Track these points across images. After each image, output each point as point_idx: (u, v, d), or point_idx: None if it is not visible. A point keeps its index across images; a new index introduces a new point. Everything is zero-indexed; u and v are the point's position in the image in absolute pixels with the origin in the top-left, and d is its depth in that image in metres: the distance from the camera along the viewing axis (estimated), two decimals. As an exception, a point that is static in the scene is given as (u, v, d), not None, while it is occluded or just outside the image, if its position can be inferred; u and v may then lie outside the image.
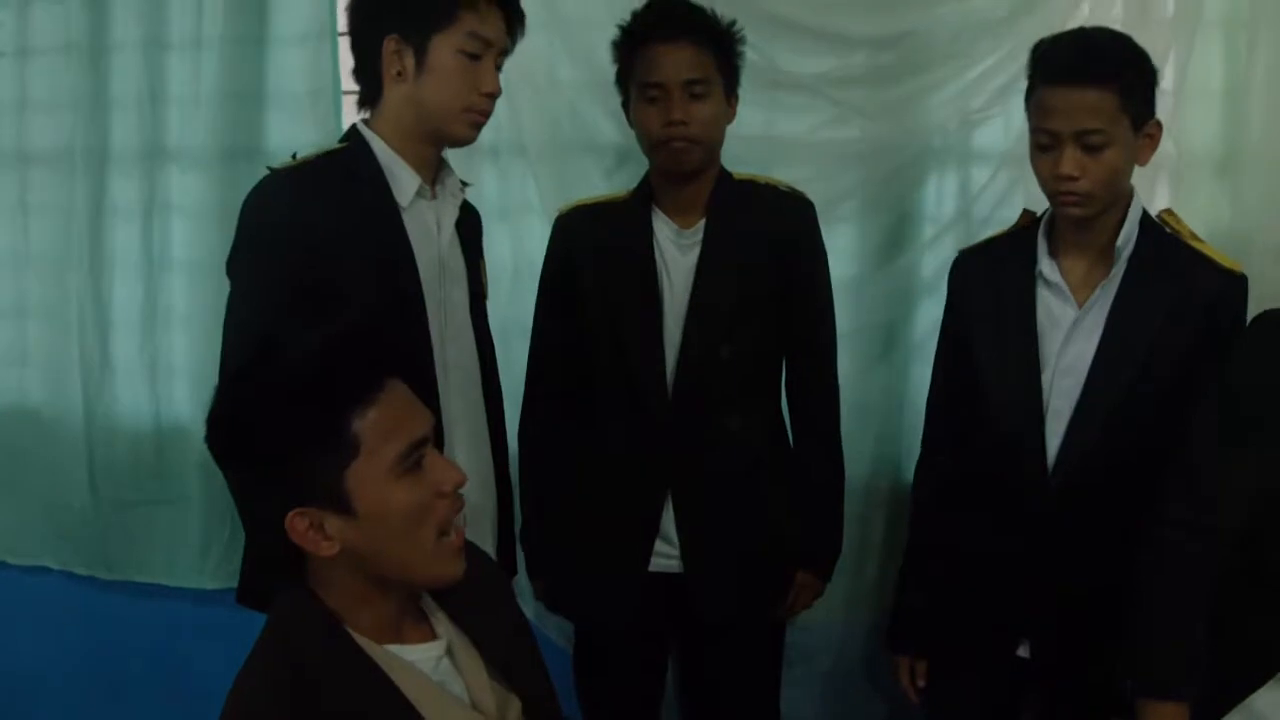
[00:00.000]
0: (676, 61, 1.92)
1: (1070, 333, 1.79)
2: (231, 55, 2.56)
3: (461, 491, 1.25)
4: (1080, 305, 1.79)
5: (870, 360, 2.26)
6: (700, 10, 1.97)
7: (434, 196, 1.82)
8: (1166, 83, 2.11)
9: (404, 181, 1.76)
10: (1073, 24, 2.16)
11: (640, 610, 2.02)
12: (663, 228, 2.01)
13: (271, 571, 1.28)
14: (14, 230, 2.82)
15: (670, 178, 1.99)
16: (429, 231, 1.79)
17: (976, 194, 2.22)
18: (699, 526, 1.98)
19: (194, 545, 2.70)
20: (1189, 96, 2.11)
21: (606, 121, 2.35)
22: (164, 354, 2.73)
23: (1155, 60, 2.07)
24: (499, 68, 1.78)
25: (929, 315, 2.21)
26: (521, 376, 2.14)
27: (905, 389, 2.29)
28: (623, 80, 2.01)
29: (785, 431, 2.09)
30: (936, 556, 1.93)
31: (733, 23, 1.98)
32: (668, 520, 1.99)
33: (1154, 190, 2.12)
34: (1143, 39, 2.09)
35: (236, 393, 1.23)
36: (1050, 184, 1.74)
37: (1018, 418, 1.81)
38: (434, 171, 1.82)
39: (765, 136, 2.23)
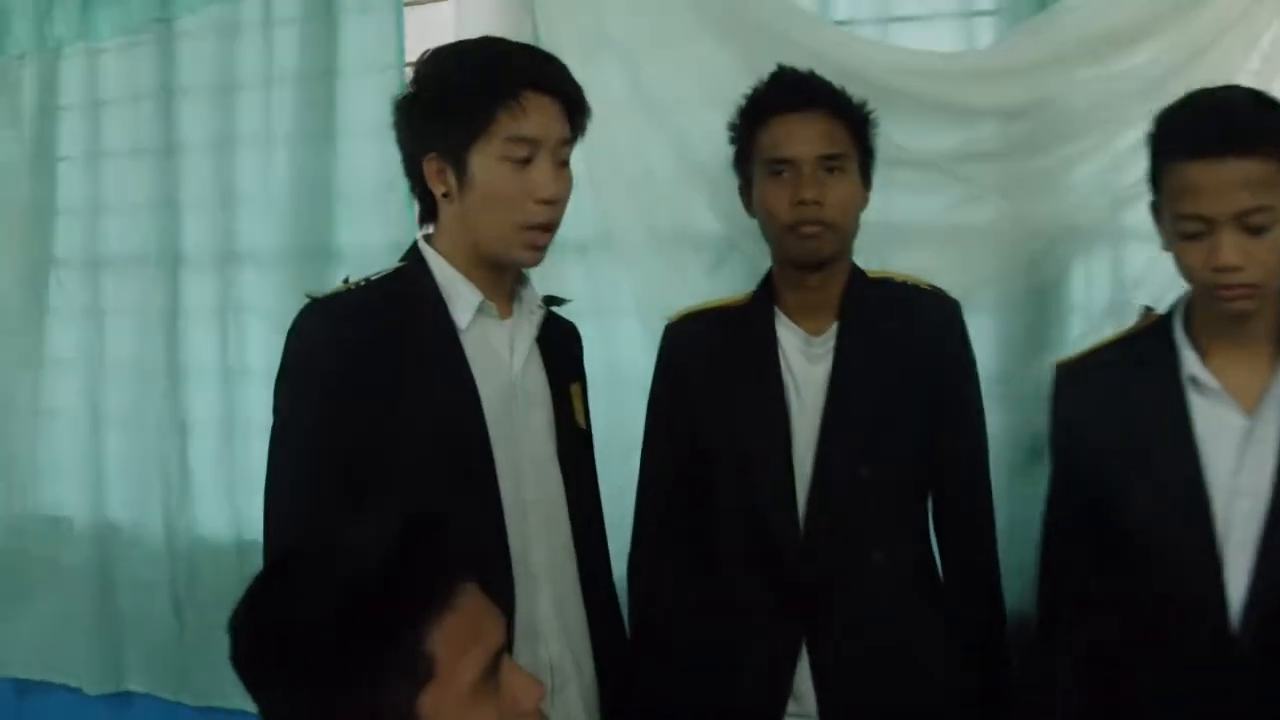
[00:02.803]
0: (809, 134, 1.72)
1: (1243, 446, 1.50)
2: (300, 151, 2.44)
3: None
4: (1249, 412, 1.50)
5: (1012, 473, 1.96)
6: (830, 83, 1.77)
7: (508, 314, 1.62)
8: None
9: (464, 300, 1.56)
10: (1242, 81, 1.89)
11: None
12: (789, 335, 1.79)
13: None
14: (89, 336, 2.75)
15: (799, 271, 1.77)
16: (497, 355, 1.59)
17: (1136, 279, 1.93)
18: (839, 683, 1.72)
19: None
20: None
21: (705, 212, 2.13)
22: (243, 465, 2.59)
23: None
24: (564, 161, 1.56)
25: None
26: (618, 503, 1.90)
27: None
28: (742, 161, 1.81)
29: (935, 567, 1.83)
30: None
31: (864, 101, 1.78)
32: (802, 675, 1.74)
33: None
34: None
35: (283, 604, 1.02)
36: (1206, 277, 1.46)
37: (1185, 558, 1.50)
38: (507, 287, 1.62)
39: (884, 222, 1.96)
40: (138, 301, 2.65)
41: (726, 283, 2.08)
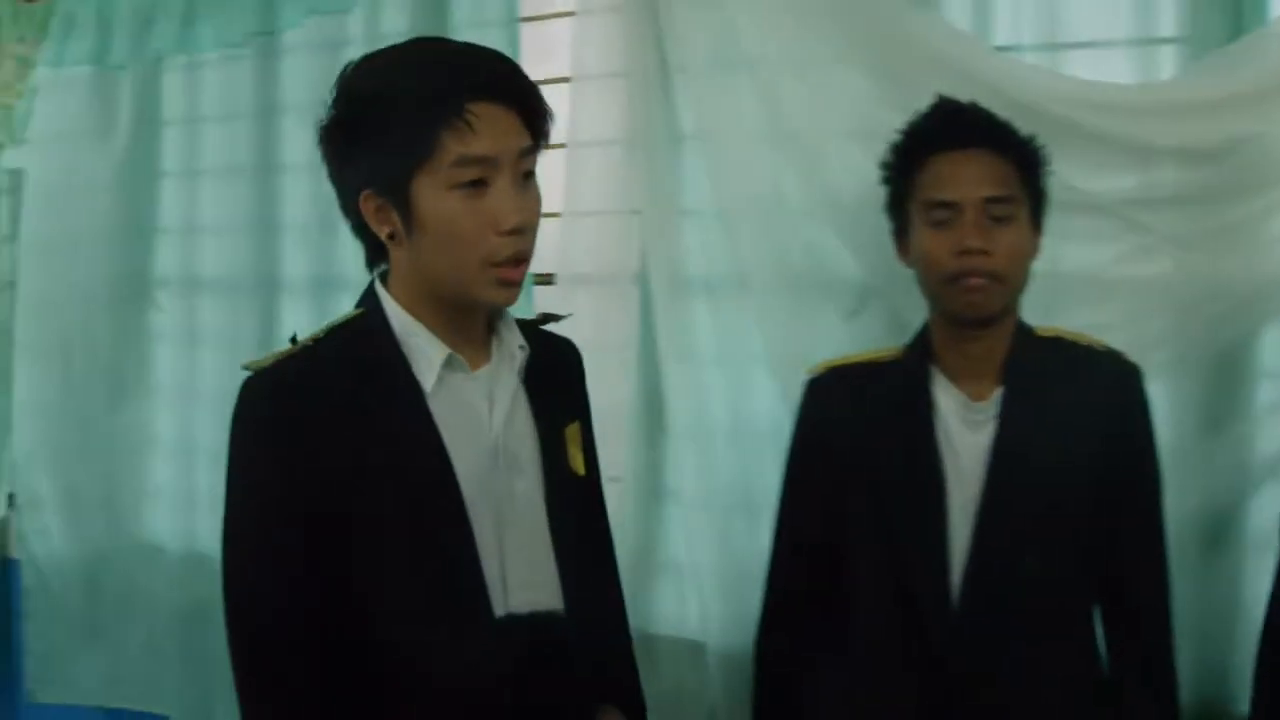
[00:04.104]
0: (974, 174, 1.57)
1: None
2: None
3: None
4: None
5: (1189, 559, 1.75)
6: (996, 117, 1.61)
7: (484, 362, 1.37)
8: None
9: (426, 355, 1.33)
10: None
11: None
12: (947, 398, 1.61)
13: None
14: (181, 362, 2.68)
15: (961, 328, 1.60)
16: (473, 415, 1.35)
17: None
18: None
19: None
20: None
21: (843, 253, 1.96)
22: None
23: None
24: (529, 172, 1.29)
25: (1271, 502, 1.72)
26: (745, 568, 1.76)
27: (1239, 597, 1.79)
28: (896, 204, 1.66)
29: (1101, 661, 1.65)
30: None
31: (1033, 136, 1.61)
32: None
33: None
34: None
35: None
36: None
37: None
38: (480, 330, 1.38)
39: (1052, 272, 1.75)
40: (233, 327, 2.56)
41: (866, 331, 1.92)
